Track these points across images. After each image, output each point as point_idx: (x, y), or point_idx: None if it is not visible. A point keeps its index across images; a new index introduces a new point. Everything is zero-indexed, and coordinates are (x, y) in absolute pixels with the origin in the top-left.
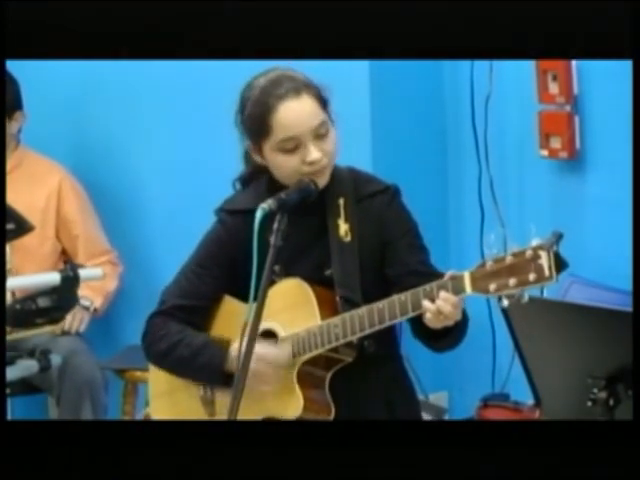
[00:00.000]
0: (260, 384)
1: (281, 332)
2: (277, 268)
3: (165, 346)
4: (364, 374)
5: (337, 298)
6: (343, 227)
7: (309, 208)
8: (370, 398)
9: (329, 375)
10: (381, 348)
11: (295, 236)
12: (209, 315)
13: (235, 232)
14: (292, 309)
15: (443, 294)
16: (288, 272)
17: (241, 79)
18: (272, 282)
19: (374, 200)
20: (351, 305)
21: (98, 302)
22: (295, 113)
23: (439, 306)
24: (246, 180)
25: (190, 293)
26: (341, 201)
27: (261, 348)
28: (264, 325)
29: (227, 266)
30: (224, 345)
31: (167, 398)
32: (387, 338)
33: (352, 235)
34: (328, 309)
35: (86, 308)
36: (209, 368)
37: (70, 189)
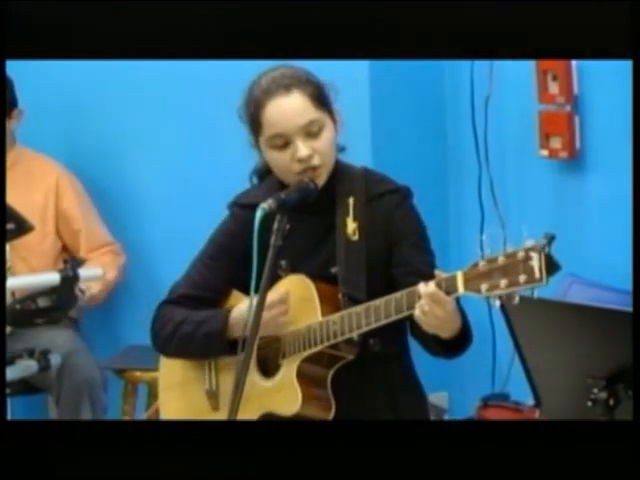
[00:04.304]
0: (281, 326)
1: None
2: (284, 263)
3: (170, 328)
4: (369, 373)
5: (340, 296)
6: (351, 226)
7: (319, 206)
8: (374, 397)
9: (331, 372)
10: (387, 347)
11: (304, 233)
12: (216, 307)
13: (245, 226)
14: (295, 306)
15: (430, 288)
16: (295, 268)
17: (240, 79)
18: (278, 277)
19: (383, 200)
20: (354, 303)
21: (96, 289)
22: (283, 110)
23: (421, 305)
24: (262, 173)
25: (198, 284)
26: (351, 200)
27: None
28: None
29: (236, 260)
30: (224, 313)
31: (176, 390)
32: (394, 337)
33: (360, 234)
34: (331, 306)
35: (81, 291)
36: (211, 337)
37: (68, 185)
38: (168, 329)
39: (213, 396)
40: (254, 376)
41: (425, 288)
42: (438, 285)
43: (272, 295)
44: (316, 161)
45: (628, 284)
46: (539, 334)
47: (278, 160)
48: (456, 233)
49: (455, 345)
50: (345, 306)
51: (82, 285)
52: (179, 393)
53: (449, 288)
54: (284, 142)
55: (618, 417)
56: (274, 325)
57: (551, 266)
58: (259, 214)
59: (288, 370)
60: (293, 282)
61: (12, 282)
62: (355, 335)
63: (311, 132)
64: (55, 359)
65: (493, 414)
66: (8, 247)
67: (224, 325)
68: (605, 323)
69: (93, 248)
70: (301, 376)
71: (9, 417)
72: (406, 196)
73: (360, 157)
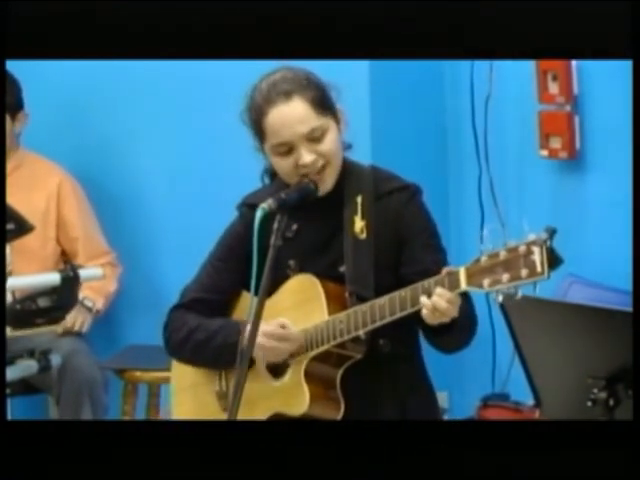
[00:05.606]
0: (271, 357)
1: (291, 328)
2: (292, 263)
3: (183, 334)
4: (378, 373)
5: (347, 294)
6: (359, 224)
7: (327, 205)
8: (383, 398)
9: (340, 372)
10: (397, 348)
11: (312, 232)
12: (227, 309)
13: (253, 227)
14: (302, 305)
15: (438, 290)
16: (303, 268)
17: (239, 79)
18: (286, 277)
19: (392, 198)
20: (362, 301)
21: (100, 303)
22: (284, 119)
23: (434, 302)
24: (273, 173)
25: (209, 287)
26: (359, 198)
27: (268, 326)
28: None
29: (244, 260)
30: (239, 325)
31: (188, 392)
32: (404, 338)
33: (368, 232)
34: (338, 305)
35: (89, 309)
36: (224, 348)
37: (70, 191)
38: (181, 334)
39: (223, 397)
40: (263, 376)
41: (440, 290)
42: (442, 282)
43: (278, 328)
44: (320, 164)
45: (628, 284)
46: (539, 334)
47: (283, 166)
48: (456, 233)
49: (442, 331)
50: (352, 305)
51: (89, 303)
52: (191, 395)
53: (452, 284)
54: (288, 149)
55: (618, 417)
56: (263, 353)
57: (553, 260)
58: (259, 214)
59: (296, 370)
60: (300, 281)
61: (12, 282)
62: (362, 333)
63: (314, 137)
64: (55, 359)
65: (493, 414)
66: (9, 251)
67: (238, 339)
68: (605, 323)
69: (91, 257)
70: (309, 376)
71: (9, 417)
72: (415, 193)
73: (360, 157)
